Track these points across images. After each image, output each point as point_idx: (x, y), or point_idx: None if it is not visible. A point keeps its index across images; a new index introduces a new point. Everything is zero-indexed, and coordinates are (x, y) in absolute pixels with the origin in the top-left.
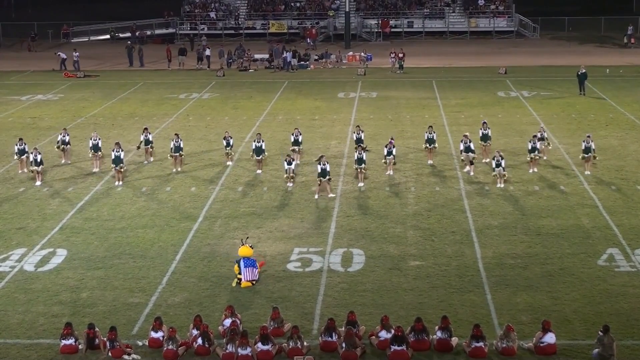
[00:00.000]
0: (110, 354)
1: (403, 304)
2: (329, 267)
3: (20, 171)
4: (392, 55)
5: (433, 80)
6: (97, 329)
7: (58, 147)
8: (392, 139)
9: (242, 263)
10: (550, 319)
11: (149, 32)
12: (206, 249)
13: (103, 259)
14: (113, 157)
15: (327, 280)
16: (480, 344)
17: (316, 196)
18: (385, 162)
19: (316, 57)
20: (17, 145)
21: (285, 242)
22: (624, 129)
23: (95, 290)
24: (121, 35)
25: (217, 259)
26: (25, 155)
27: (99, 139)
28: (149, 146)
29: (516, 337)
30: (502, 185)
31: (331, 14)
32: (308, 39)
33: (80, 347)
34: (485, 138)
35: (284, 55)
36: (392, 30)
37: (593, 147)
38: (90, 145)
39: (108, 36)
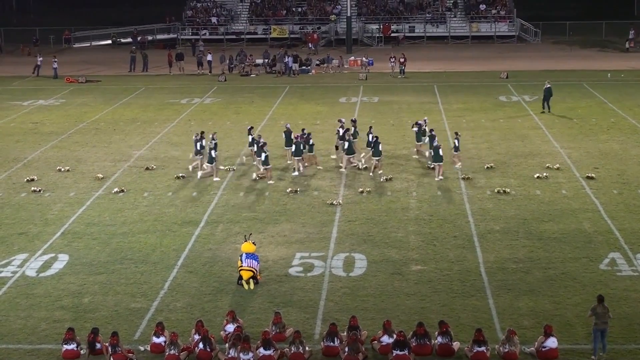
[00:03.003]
0: (112, 359)
1: (405, 308)
2: (330, 272)
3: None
4: (392, 60)
5: (434, 85)
6: (99, 334)
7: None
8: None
9: (244, 257)
10: (552, 324)
11: (150, 37)
12: (208, 253)
13: (105, 264)
14: (264, 157)
15: (329, 285)
16: (483, 348)
17: (295, 173)
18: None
19: (318, 62)
20: None
21: (287, 246)
22: (626, 134)
23: (97, 296)
24: (123, 40)
25: (218, 264)
26: None
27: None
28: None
29: (518, 342)
30: (459, 165)
31: (333, 19)
32: (310, 44)
33: (82, 352)
34: (456, 149)
35: (286, 60)
36: (393, 34)
37: None
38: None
39: (110, 41)
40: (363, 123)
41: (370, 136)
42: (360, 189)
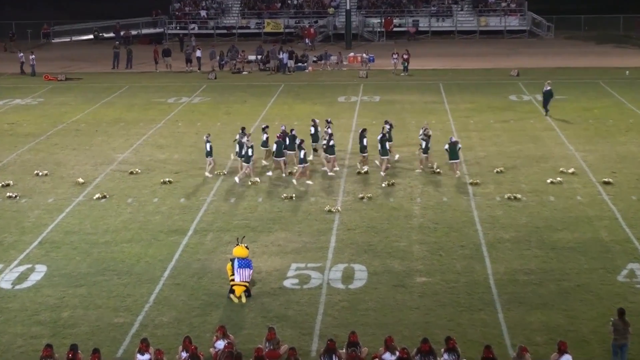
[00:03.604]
0: None
1: (408, 323)
2: (328, 284)
3: None
4: (395, 56)
5: (440, 83)
6: (79, 351)
7: None
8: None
9: (236, 263)
10: (566, 340)
11: (135, 32)
12: (196, 264)
13: (85, 275)
14: (302, 154)
15: (326, 298)
16: None
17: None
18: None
19: (315, 59)
20: None
21: (282, 257)
22: None
23: (77, 310)
24: (105, 35)
25: (208, 276)
26: None
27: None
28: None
29: (530, 359)
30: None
31: (331, 12)
32: (306, 39)
33: None
34: (425, 150)
35: (280, 56)
36: (397, 28)
37: None
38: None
39: (91, 36)
40: (364, 124)
41: (380, 135)
42: (361, 195)
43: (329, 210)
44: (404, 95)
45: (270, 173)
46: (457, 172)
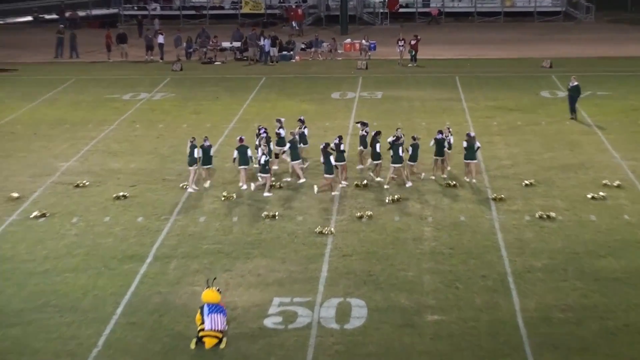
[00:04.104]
0: None
1: None
2: (319, 324)
3: None
4: (401, 43)
5: (456, 77)
6: None
7: None
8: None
9: (205, 309)
10: None
11: (83, 13)
12: (157, 299)
13: (19, 312)
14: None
15: (317, 341)
16: None
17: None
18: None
19: (303, 46)
20: None
21: (262, 289)
22: None
23: (9, 355)
24: (47, 16)
25: (171, 313)
26: None
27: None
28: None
29: None
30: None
31: None
32: (292, 22)
33: None
34: (413, 158)
35: (262, 43)
36: (402, 10)
37: None
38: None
39: (30, 18)
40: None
41: (391, 138)
42: (359, 213)
43: (320, 232)
44: (413, 91)
45: (250, 185)
46: (473, 178)
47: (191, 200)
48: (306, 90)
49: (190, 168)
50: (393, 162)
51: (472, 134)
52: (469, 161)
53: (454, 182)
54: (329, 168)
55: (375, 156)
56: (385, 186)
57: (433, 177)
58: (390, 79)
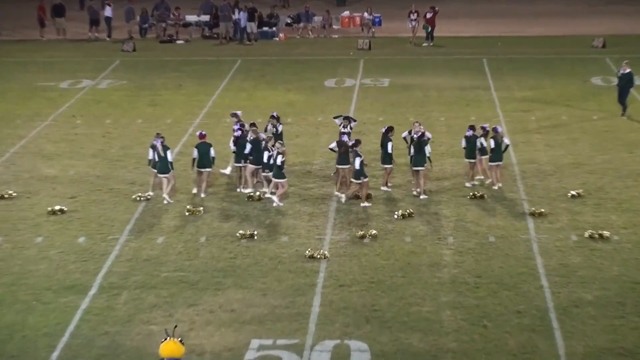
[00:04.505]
0: None
1: None
2: None
3: None
4: (413, 17)
5: (484, 59)
6: None
7: None
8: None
9: None
10: None
11: None
12: (103, 341)
13: None
14: (358, 164)
15: None
16: None
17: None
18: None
19: (289, 21)
20: None
21: (237, 329)
22: None
23: None
24: None
25: (121, 358)
26: None
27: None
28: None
29: None
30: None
31: None
32: None
33: None
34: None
35: (236, 17)
36: None
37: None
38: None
39: None
40: (366, 122)
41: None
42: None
43: (311, 256)
44: (428, 78)
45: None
46: (499, 182)
47: (147, 216)
48: (293, 77)
49: (163, 175)
50: (415, 165)
51: (499, 128)
52: (495, 163)
53: (481, 193)
54: (357, 170)
55: (386, 159)
56: (423, 196)
57: (468, 185)
58: (400, 63)
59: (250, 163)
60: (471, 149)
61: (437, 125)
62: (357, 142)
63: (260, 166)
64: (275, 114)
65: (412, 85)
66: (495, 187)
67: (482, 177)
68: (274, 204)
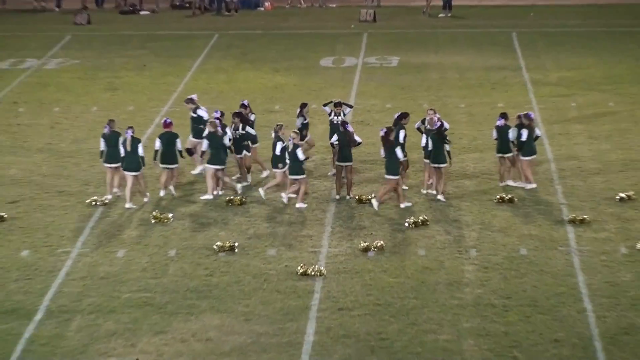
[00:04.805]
0: None
1: None
2: None
3: None
4: None
5: (513, 33)
6: None
7: None
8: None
9: None
10: None
11: None
12: None
13: None
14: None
15: None
16: None
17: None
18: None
19: None
20: None
21: None
22: None
23: None
24: None
25: None
26: None
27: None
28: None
29: None
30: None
31: None
32: None
33: None
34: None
35: None
36: None
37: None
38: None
39: None
40: (369, 109)
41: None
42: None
43: (304, 273)
44: (446, 56)
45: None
46: (532, 182)
47: (104, 224)
48: (281, 55)
49: (131, 173)
50: (435, 162)
51: (532, 114)
52: (528, 158)
53: (510, 196)
54: (392, 165)
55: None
56: (441, 197)
57: (502, 184)
58: (411, 37)
59: (209, 163)
60: (504, 142)
61: (456, 113)
62: (280, 127)
63: (222, 167)
64: (246, 102)
65: (426, 65)
66: (528, 187)
67: (525, 182)
68: (298, 206)
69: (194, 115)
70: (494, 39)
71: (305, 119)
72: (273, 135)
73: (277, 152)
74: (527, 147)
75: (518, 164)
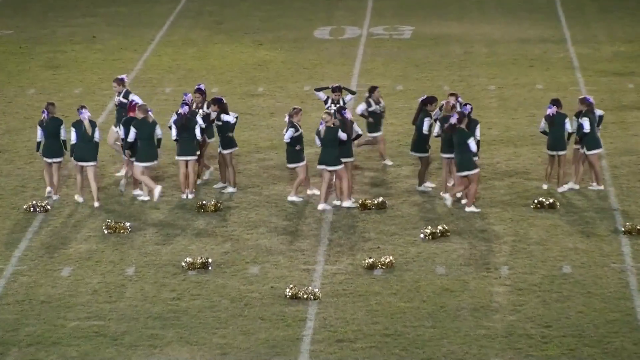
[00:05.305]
0: None
1: None
2: None
3: None
4: None
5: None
6: None
7: None
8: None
9: None
10: None
11: None
12: None
13: None
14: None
15: None
16: None
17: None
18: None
19: None
20: None
21: None
22: None
23: None
24: None
25: None
26: None
27: None
28: None
29: None
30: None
31: None
32: None
33: None
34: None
35: None
36: None
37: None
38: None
39: None
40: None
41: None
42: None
43: (294, 296)
44: (471, 25)
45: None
46: (599, 184)
47: (46, 236)
48: (266, 24)
49: (88, 164)
50: (460, 169)
51: (590, 98)
52: (595, 151)
53: (551, 200)
54: (464, 159)
55: (420, 146)
56: (470, 209)
57: (545, 187)
58: (428, 2)
59: (137, 160)
60: (557, 137)
61: (484, 97)
62: (297, 111)
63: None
64: (202, 86)
65: (447, 36)
66: (596, 188)
67: (595, 183)
68: (345, 205)
69: (123, 100)
70: (532, 4)
71: (370, 105)
72: (287, 119)
73: (286, 139)
74: (591, 139)
75: (576, 162)
